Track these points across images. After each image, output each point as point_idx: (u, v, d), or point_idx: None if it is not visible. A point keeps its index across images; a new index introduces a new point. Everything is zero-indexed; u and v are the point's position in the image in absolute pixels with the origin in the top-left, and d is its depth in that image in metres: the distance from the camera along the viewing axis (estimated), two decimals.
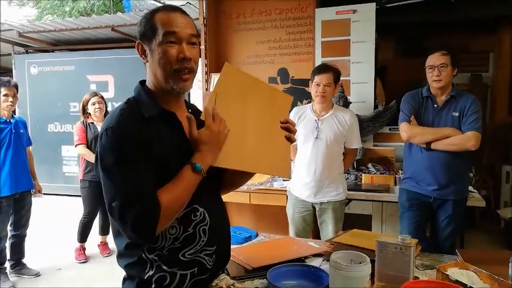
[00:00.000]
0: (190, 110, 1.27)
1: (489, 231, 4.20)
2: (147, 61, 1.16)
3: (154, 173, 1.07)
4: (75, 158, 5.94)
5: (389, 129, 3.56)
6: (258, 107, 1.28)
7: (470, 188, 2.77)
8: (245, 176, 1.37)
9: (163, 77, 1.13)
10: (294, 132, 1.35)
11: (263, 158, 1.30)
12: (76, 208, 4.32)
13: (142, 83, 1.22)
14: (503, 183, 4.34)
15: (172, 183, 1.09)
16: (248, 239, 2.92)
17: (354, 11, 3.54)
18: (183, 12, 1.17)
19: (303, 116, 2.68)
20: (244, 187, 3.24)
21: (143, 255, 1.14)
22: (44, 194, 5.81)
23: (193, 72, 1.16)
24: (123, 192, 1.04)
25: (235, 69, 1.25)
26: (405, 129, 2.44)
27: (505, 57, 4.90)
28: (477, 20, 4.57)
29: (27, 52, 6.57)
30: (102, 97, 3.67)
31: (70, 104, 6.06)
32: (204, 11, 3.84)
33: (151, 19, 1.14)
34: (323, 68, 2.59)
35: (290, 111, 2.73)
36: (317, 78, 2.54)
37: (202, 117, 1.13)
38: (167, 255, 1.14)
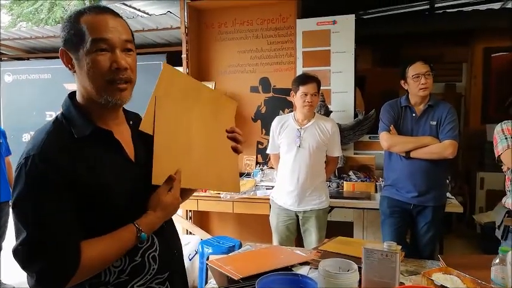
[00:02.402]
0: (131, 122, 1.13)
1: (465, 236, 4.31)
2: (74, 71, 1.01)
3: (83, 212, 0.94)
4: None
5: (369, 138, 3.62)
6: (201, 113, 1.17)
7: (448, 194, 2.85)
8: (188, 192, 1.26)
9: (95, 90, 0.98)
10: (240, 142, 1.25)
11: (210, 173, 1.18)
12: None
13: (72, 96, 1.05)
14: (478, 189, 4.47)
15: (105, 239, 0.95)
16: (232, 248, 2.90)
17: (334, 22, 3.61)
18: (115, 14, 1.02)
19: (285, 125, 2.70)
20: (227, 196, 3.25)
21: None
22: None
23: (131, 82, 1.02)
24: (36, 237, 0.89)
25: (176, 71, 1.12)
26: (385, 139, 2.49)
27: (478, 68, 5.09)
28: (451, 32, 4.75)
29: (1, 60, 6.39)
30: None
31: (46, 113, 5.89)
32: (186, 21, 3.85)
33: (76, 23, 0.97)
34: (308, 78, 2.60)
35: (259, 120, 2.78)
36: (303, 88, 2.55)
37: (141, 128, 1.03)
38: None
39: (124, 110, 1.15)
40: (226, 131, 1.23)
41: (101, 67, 0.96)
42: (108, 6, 1.06)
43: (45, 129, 0.98)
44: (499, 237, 2.13)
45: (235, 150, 1.24)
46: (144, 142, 1.06)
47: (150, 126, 1.03)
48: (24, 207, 0.91)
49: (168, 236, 1.14)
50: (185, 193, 1.21)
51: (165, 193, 1.03)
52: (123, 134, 1.08)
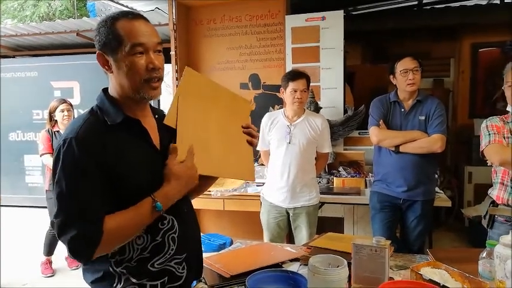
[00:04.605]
0: (156, 116, 1.25)
1: (454, 230, 4.36)
2: (112, 72, 1.11)
3: (110, 191, 1.05)
4: (39, 168, 5.70)
5: (359, 133, 3.64)
6: (220, 111, 1.29)
7: (437, 188, 2.88)
8: (208, 181, 1.37)
9: (133, 88, 1.10)
10: (255, 136, 1.38)
11: (228, 163, 1.31)
12: (41, 220, 4.14)
13: (105, 90, 1.18)
14: (466, 184, 4.52)
15: (125, 213, 1.06)
16: (223, 246, 2.90)
17: (323, 18, 3.61)
18: (145, 19, 1.14)
19: (275, 122, 2.69)
20: (217, 193, 3.24)
21: (110, 268, 1.11)
22: (7, 206, 5.58)
23: (161, 79, 1.15)
24: (67, 211, 1.02)
25: (196, 74, 1.26)
26: (375, 133, 2.50)
27: (465, 63, 5.14)
28: (439, 28, 4.78)
29: None
30: (70, 104, 3.56)
31: (33, 111, 5.82)
32: (174, 17, 3.81)
33: (113, 28, 1.08)
34: (298, 74, 2.59)
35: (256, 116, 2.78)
36: (293, 85, 2.55)
37: (165, 122, 1.13)
38: (136, 266, 1.11)
39: (150, 105, 1.27)
40: (242, 127, 1.36)
41: (138, 68, 1.08)
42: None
43: (82, 117, 1.11)
44: (485, 226, 2.17)
45: (251, 144, 1.38)
46: (169, 134, 1.18)
47: (174, 120, 1.13)
48: (60, 184, 1.02)
49: (188, 220, 1.24)
50: (206, 182, 1.34)
51: (173, 163, 1.11)
52: (150, 125, 1.19)
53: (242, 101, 1.43)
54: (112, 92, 1.15)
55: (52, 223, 1.05)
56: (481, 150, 2.13)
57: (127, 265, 1.11)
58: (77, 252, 1.04)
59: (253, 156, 1.45)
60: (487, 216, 2.14)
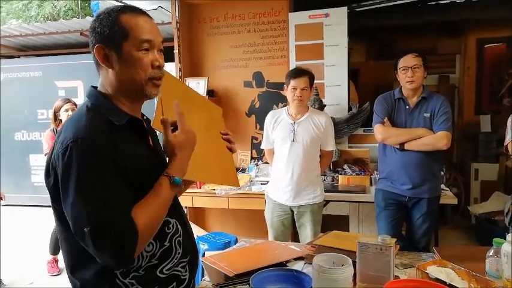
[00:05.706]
0: (145, 117, 1.23)
1: (461, 227, 4.33)
2: (111, 67, 1.06)
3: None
4: (44, 167, 5.73)
5: (364, 131, 3.62)
6: (198, 117, 1.28)
7: (443, 186, 2.85)
8: (188, 183, 1.35)
9: (137, 85, 1.06)
10: (234, 143, 1.39)
11: (214, 168, 1.31)
12: (47, 219, 4.17)
13: (95, 88, 1.14)
14: (472, 180, 4.48)
15: (147, 200, 1.01)
16: (228, 244, 2.89)
17: (326, 15, 3.59)
18: (150, 17, 1.11)
19: (279, 120, 2.68)
20: (222, 192, 3.24)
21: (117, 281, 1.03)
22: (13, 205, 5.62)
23: (161, 78, 1.12)
24: (99, 215, 0.93)
25: (174, 78, 1.27)
26: (380, 131, 2.48)
27: (471, 59, 5.10)
28: (444, 23, 4.74)
29: None
30: (75, 104, 3.57)
31: (38, 111, 5.85)
32: (177, 15, 3.81)
33: (118, 20, 1.04)
34: (299, 72, 2.58)
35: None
36: (293, 82, 2.54)
37: (153, 126, 1.10)
38: (144, 275, 1.06)
39: None
40: (221, 133, 1.36)
41: (144, 65, 1.06)
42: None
43: (83, 116, 1.02)
44: (507, 224, 2.15)
45: (231, 150, 1.38)
46: (154, 134, 1.21)
47: (160, 124, 1.10)
48: (82, 187, 0.94)
49: (185, 222, 1.23)
50: (187, 184, 1.31)
51: (170, 136, 1.08)
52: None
53: (214, 107, 1.44)
54: (106, 88, 1.10)
55: (81, 233, 0.93)
56: (505, 144, 2.10)
57: (135, 275, 1.05)
58: (121, 258, 0.96)
59: (234, 162, 1.45)
60: (509, 214, 2.13)
